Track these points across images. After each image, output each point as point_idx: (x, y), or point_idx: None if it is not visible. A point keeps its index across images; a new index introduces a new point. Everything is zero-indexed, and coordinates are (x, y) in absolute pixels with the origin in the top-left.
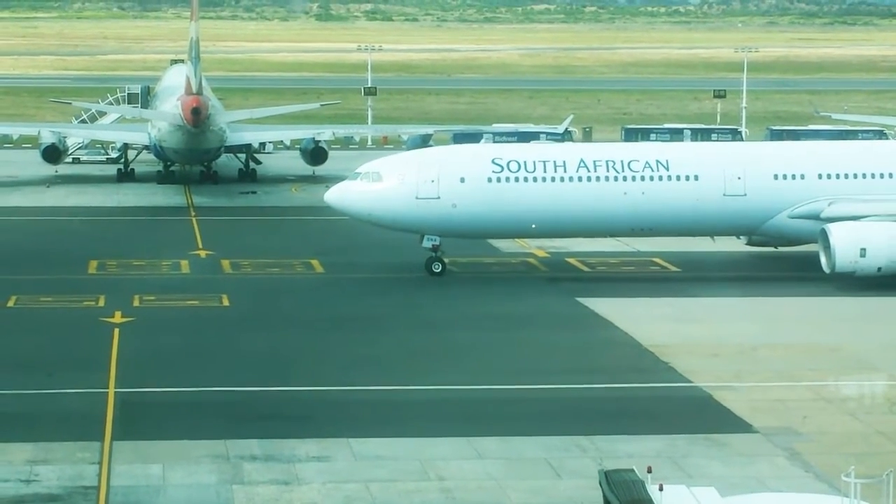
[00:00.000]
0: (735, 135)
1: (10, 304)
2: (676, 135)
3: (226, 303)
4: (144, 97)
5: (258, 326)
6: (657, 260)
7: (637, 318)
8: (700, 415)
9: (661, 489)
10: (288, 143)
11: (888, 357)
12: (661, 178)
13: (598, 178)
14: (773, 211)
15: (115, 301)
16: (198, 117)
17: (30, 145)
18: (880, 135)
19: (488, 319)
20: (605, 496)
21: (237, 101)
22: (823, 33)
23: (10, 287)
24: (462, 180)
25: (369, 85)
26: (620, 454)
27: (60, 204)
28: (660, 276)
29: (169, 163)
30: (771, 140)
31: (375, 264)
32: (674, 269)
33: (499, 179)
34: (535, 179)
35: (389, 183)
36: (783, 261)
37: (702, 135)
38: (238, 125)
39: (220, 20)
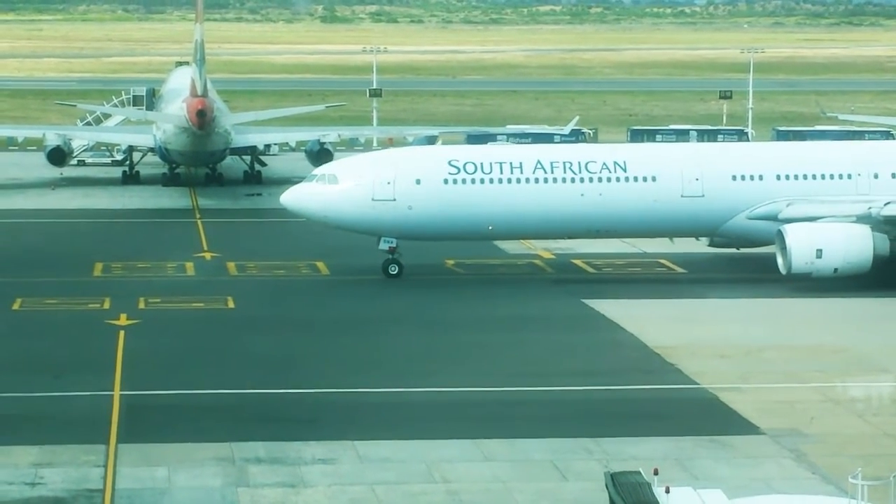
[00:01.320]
0: (741, 136)
1: (16, 306)
2: (682, 136)
3: (231, 305)
4: (149, 99)
5: (263, 328)
6: (663, 261)
7: (643, 319)
8: (706, 416)
9: (667, 491)
10: (293, 144)
11: (895, 358)
12: (618, 179)
13: (554, 180)
14: (731, 212)
15: (121, 303)
16: (203, 119)
17: (35, 147)
18: (887, 135)
19: (494, 321)
20: (611, 498)
21: (242, 103)
22: (830, 34)
23: (15, 289)
24: (418, 182)
25: (374, 86)
26: (627, 456)
27: (65, 206)
28: (666, 277)
29: (174, 165)
30: (778, 141)
31: (380, 266)
32: (680, 270)
33: (455, 181)
34: (491, 181)
35: (345, 185)
36: None
37: (707, 136)
38: (243, 127)
39: (224, 22)
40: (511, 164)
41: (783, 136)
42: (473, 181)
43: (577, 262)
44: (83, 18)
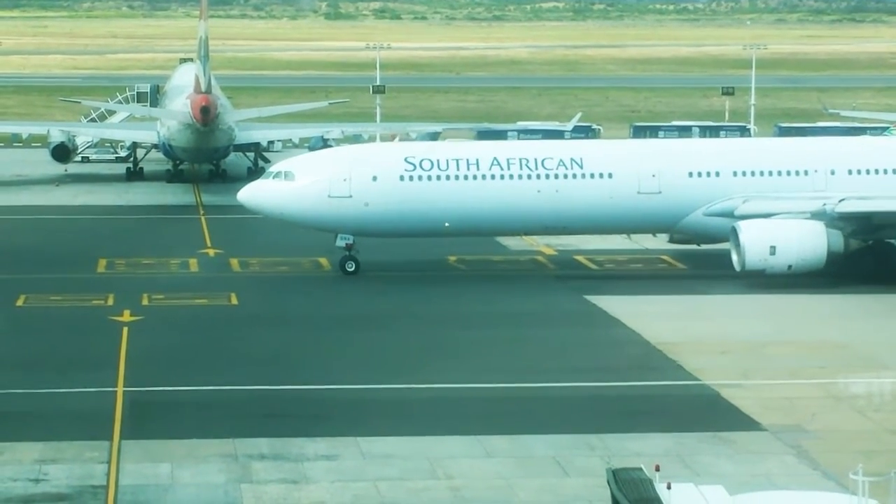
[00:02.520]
0: (743, 132)
1: (20, 303)
2: (685, 132)
3: (234, 301)
4: (154, 96)
5: (266, 325)
6: (665, 258)
7: (645, 315)
8: (708, 413)
9: (669, 487)
10: (296, 141)
11: None
12: (574, 176)
13: (511, 177)
14: (688, 209)
15: (124, 300)
16: (207, 116)
17: (39, 144)
18: (888, 132)
19: (496, 317)
20: (613, 494)
21: (246, 99)
22: (832, 30)
23: (19, 286)
24: (374, 179)
25: (378, 83)
26: (628, 452)
27: (70, 203)
28: (668, 273)
29: (178, 161)
30: (780, 137)
31: (384, 262)
32: (681, 266)
33: (411, 178)
34: (447, 178)
35: (302, 181)
36: None
37: (710, 132)
38: (247, 124)
39: (229, 19)
40: (468, 160)
41: (785, 132)
42: (430, 178)
43: (579, 258)
44: (88, 15)
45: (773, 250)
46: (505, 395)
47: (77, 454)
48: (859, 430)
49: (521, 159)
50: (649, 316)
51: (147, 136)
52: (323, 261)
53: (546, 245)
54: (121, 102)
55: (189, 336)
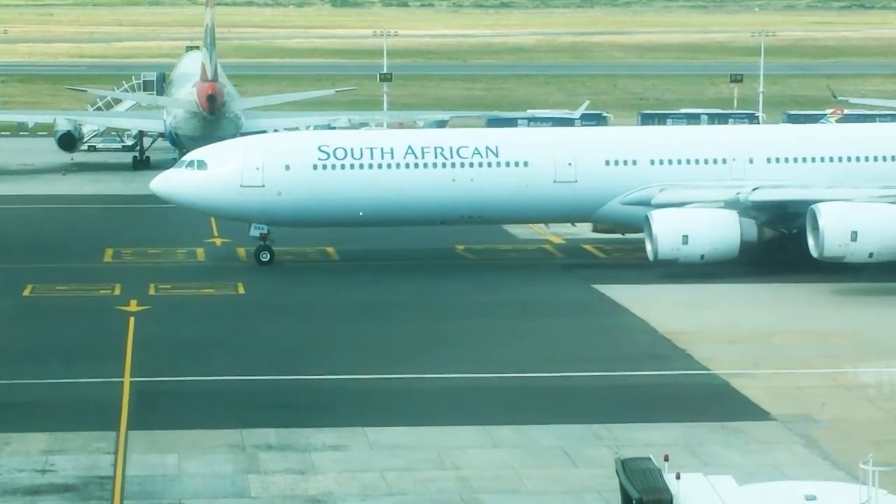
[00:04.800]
0: (752, 119)
1: (26, 292)
2: (693, 119)
3: (241, 291)
4: (160, 84)
5: (274, 315)
6: None
7: (653, 304)
8: (717, 402)
9: (678, 477)
10: (303, 129)
11: None
12: (490, 164)
13: (426, 165)
14: (604, 198)
15: (131, 289)
16: (213, 104)
17: (45, 133)
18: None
19: (504, 307)
20: (621, 484)
21: (252, 87)
22: (841, 17)
23: (25, 276)
24: (287, 168)
25: (385, 71)
26: (637, 442)
27: (76, 192)
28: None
29: (184, 150)
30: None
31: (390, 252)
32: None
33: (325, 167)
34: (361, 166)
35: (214, 171)
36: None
37: (718, 119)
38: (253, 112)
39: (235, 6)
40: (382, 149)
41: (794, 119)
42: (343, 167)
43: (587, 247)
44: (94, 3)
45: (685, 239)
46: (512, 385)
47: (84, 445)
48: (869, 419)
49: (435, 148)
50: (657, 305)
51: (153, 124)
52: (330, 250)
53: (554, 234)
54: (127, 91)
55: (196, 326)
